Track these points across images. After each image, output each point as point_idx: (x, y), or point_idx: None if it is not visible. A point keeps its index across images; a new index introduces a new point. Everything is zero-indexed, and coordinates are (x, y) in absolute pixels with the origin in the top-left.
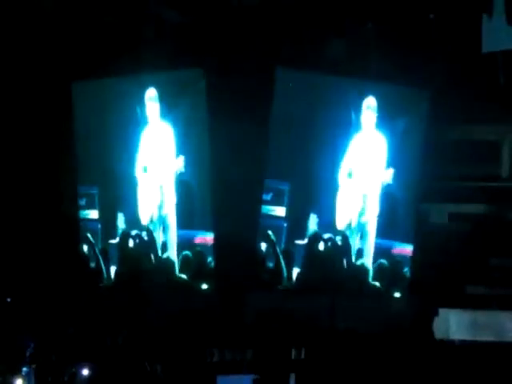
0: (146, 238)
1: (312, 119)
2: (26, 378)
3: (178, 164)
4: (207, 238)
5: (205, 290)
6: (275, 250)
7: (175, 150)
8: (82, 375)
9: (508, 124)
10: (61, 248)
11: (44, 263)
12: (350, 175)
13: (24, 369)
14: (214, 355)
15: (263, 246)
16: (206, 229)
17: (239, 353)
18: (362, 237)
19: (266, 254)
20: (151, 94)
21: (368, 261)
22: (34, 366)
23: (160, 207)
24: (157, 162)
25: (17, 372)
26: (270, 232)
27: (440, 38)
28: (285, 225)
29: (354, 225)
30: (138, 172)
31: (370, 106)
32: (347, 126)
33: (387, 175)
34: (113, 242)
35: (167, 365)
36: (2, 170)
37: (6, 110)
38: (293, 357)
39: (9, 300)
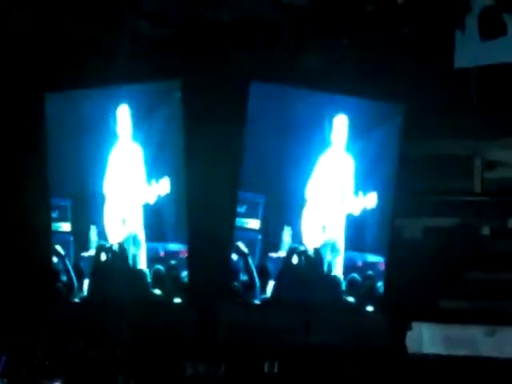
0: (118, 251)
1: (286, 133)
2: None
3: (162, 188)
4: (181, 250)
5: (178, 303)
6: (248, 263)
7: (149, 162)
8: None
9: (480, 139)
10: (32, 260)
11: (15, 276)
12: (320, 190)
13: None
14: (188, 369)
15: (237, 258)
16: (180, 242)
17: (213, 367)
18: (335, 251)
19: (240, 267)
20: (124, 108)
21: (341, 275)
22: (5, 379)
23: (131, 222)
24: (128, 178)
25: None
26: (241, 244)
27: (413, 52)
28: (259, 237)
29: (326, 239)
30: (107, 189)
31: (343, 120)
32: (321, 140)
33: (364, 198)
34: (85, 254)
35: (140, 379)
36: None
37: None
38: (266, 371)
39: None
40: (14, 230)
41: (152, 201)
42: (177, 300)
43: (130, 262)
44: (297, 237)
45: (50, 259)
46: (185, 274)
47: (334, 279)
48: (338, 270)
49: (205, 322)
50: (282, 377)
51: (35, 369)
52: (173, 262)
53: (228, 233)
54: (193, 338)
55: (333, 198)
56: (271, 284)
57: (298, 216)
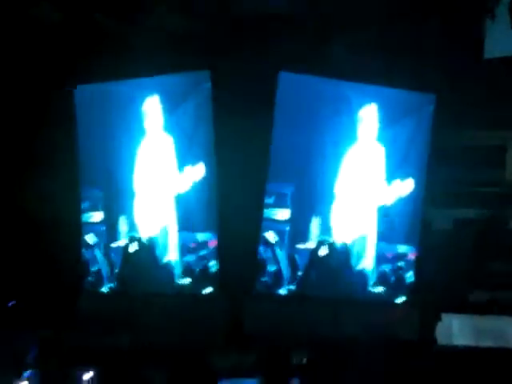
0: (148, 242)
1: (315, 123)
2: (29, 382)
3: (198, 172)
4: (211, 241)
5: (207, 294)
6: (276, 254)
7: (179, 153)
8: (84, 380)
9: None
10: (62, 251)
11: (46, 266)
12: (350, 181)
13: (27, 373)
14: (216, 360)
15: (265, 249)
16: (210, 231)
17: (242, 357)
18: (364, 242)
19: (268, 258)
20: (155, 99)
21: (370, 266)
22: (36, 370)
23: (161, 212)
24: (159, 168)
25: (20, 376)
26: (270, 235)
27: (444, 42)
28: (287, 228)
29: (355, 230)
30: (138, 179)
31: (373, 110)
32: (351, 130)
33: (395, 189)
34: (115, 245)
35: (170, 369)
36: (7, 174)
37: (9, 114)
38: (294, 362)
39: (10, 304)
40: (44, 222)
41: (182, 191)
42: (206, 290)
43: (160, 252)
44: (325, 228)
45: (80, 250)
46: (214, 264)
47: (363, 271)
48: (367, 262)
49: (234, 313)
50: (310, 368)
51: (64, 359)
52: (202, 252)
53: (257, 223)
54: (222, 329)
55: (362, 189)
56: (299, 275)
57: (327, 207)
